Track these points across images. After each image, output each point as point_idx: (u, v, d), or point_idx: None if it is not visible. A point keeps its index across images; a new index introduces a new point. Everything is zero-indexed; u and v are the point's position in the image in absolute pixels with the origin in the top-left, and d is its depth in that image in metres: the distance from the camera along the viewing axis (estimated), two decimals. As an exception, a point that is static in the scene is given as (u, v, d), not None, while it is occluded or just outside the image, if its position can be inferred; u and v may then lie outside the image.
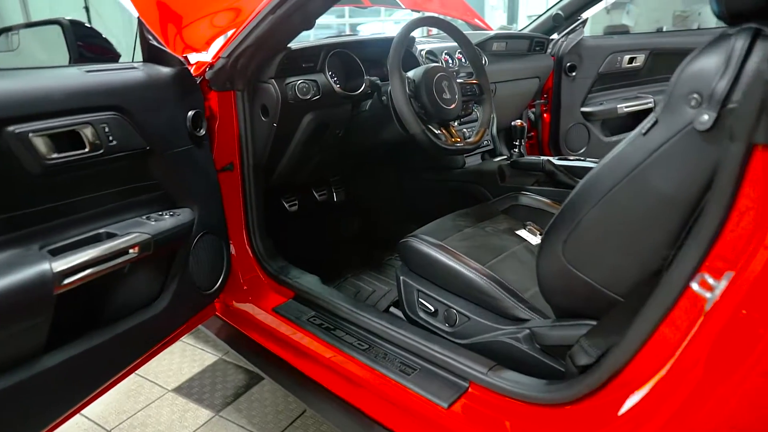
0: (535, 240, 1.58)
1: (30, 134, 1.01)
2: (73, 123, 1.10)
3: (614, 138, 2.82)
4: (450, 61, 2.02)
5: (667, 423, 0.81)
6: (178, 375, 1.89)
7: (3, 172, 1.02)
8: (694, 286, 0.79)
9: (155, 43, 1.32)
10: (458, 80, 1.61)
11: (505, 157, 1.94)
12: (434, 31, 2.21)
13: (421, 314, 1.42)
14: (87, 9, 5.42)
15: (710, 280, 0.77)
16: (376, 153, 1.88)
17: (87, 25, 1.35)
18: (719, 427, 0.77)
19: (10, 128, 0.99)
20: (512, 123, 1.85)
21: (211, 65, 1.55)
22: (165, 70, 1.32)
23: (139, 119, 1.23)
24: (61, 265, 1.04)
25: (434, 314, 1.39)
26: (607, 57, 2.68)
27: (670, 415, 0.81)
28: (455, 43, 1.67)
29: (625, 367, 0.89)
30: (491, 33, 2.19)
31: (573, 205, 1.06)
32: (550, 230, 1.11)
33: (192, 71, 1.60)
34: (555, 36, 2.60)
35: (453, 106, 1.54)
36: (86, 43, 1.43)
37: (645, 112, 2.80)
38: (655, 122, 0.92)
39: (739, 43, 0.78)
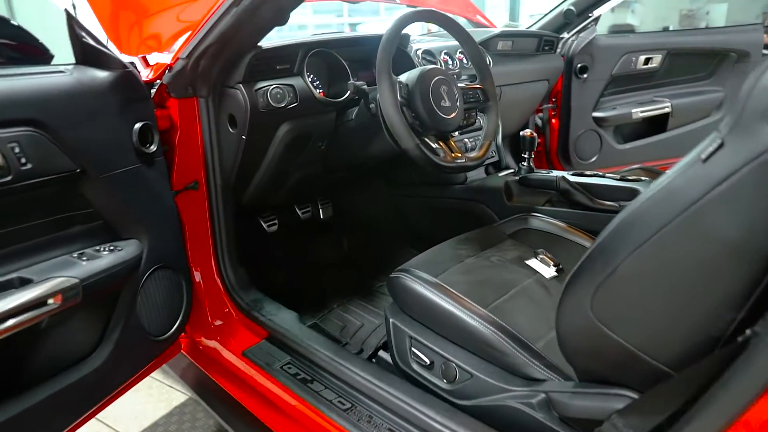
0: (548, 272, 1.34)
1: None
2: None
3: (628, 146, 2.58)
4: (450, 62, 1.77)
5: None
6: (141, 419, 1.65)
7: None
8: None
9: (90, 41, 1.07)
10: (459, 84, 1.37)
11: (512, 171, 1.70)
12: (435, 28, 1.96)
13: (414, 366, 1.18)
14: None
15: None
16: (366, 167, 1.64)
17: (13, 22, 1.10)
18: None
19: None
20: (521, 133, 1.61)
21: (169, 67, 1.31)
22: (101, 75, 1.07)
23: (66, 135, 0.98)
24: None
25: (429, 367, 1.15)
26: (621, 57, 2.43)
27: None
28: (456, 42, 1.42)
29: None
30: (496, 30, 1.93)
31: (606, 247, 0.81)
32: (576, 278, 0.87)
33: (150, 74, 1.36)
34: (564, 35, 2.34)
35: (453, 115, 1.29)
36: (19, 43, 1.19)
37: (661, 118, 2.56)
38: (720, 145, 0.67)
39: None
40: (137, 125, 1.13)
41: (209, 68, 1.28)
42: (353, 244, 2.02)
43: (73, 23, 1.05)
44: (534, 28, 2.28)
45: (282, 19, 1.22)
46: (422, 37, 2.03)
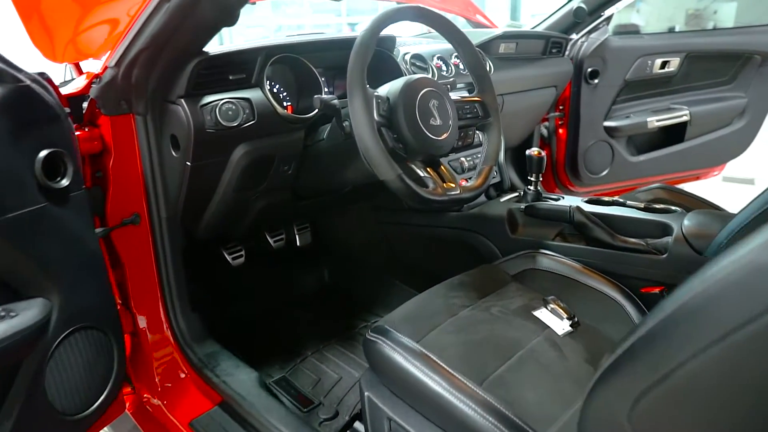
0: (560, 326, 1.08)
1: None
2: None
3: (642, 158, 2.31)
4: (444, 69, 1.51)
5: None
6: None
7: None
8: None
9: None
10: (454, 97, 1.11)
11: (517, 195, 1.44)
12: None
13: (394, 455, 0.93)
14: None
15: None
16: (343, 192, 1.39)
17: None
18: None
19: None
20: (527, 152, 1.35)
21: (97, 78, 1.06)
22: None
23: None
24: None
25: (413, 459, 0.90)
26: (635, 61, 2.17)
27: None
28: (451, 46, 1.16)
29: None
30: (498, 31, 1.67)
31: (655, 340, 0.55)
32: (610, 375, 0.61)
33: (79, 86, 1.11)
34: (573, 36, 2.08)
35: (445, 135, 1.03)
36: None
37: (679, 127, 2.29)
38: None
39: None
40: (42, 154, 0.87)
41: (144, 79, 1.03)
42: (335, 275, 1.76)
43: None
44: (541, 29, 2.01)
45: (229, 19, 0.96)
46: (416, 39, 1.76)
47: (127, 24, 0.99)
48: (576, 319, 1.09)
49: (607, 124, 2.21)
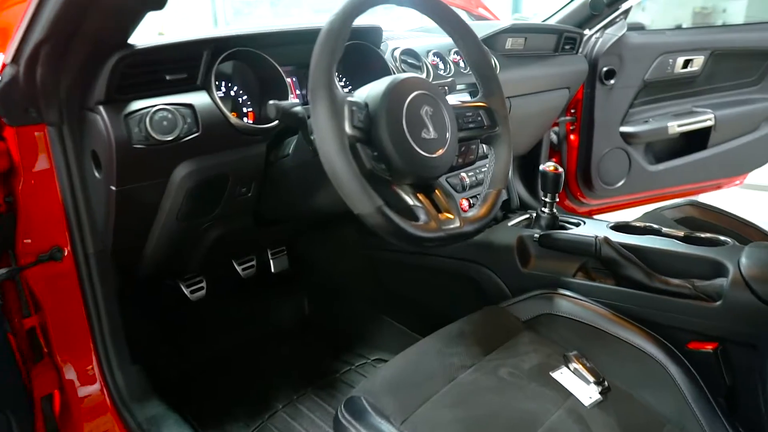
0: (587, 393, 0.84)
1: None
2: None
3: (661, 166, 2.07)
4: (441, 67, 1.26)
5: None
6: None
7: None
8: None
9: None
10: (452, 101, 0.86)
11: (527, 217, 1.19)
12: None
13: None
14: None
15: None
16: (317, 218, 1.15)
17: None
18: None
19: None
20: (541, 168, 1.10)
21: (-5, 78, 0.81)
22: None
23: None
24: None
25: None
26: (656, 59, 1.92)
27: None
28: (450, 40, 0.91)
29: None
30: (504, 24, 1.42)
31: None
32: None
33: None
34: (586, 31, 1.83)
35: (441, 152, 0.79)
36: None
37: (702, 133, 2.05)
38: None
39: None
40: None
41: (53, 80, 0.78)
42: (316, 306, 1.51)
43: None
44: (553, 22, 1.76)
45: (154, 2, 0.72)
46: (410, 33, 1.51)
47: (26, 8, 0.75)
48: (606, 382, 0.85)
49: (623, 129, 1.96)
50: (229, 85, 0.98)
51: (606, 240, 0.99)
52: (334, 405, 1.19)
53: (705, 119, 2.02)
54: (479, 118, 0.90)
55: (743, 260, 0.88)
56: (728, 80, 2.09)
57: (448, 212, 0.80)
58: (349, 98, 0.73)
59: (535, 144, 1.82)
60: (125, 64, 0.78)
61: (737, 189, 2.61)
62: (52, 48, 0.74)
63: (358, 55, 1.09)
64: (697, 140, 2.07)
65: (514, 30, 1.43)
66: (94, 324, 0.96)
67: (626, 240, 1.01)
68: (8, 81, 0.79)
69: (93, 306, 0.95)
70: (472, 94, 1.31)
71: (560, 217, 1.14)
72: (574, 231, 1.07)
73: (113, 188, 0.82)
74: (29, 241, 0.89)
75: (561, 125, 1.96)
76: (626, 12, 1.85)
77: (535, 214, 1.17)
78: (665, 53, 1.93)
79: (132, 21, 0.75)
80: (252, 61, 0.96)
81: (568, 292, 0.99)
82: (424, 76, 1.18)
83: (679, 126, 1.98)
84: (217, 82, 0.93)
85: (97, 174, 0.84)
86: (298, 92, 1.03)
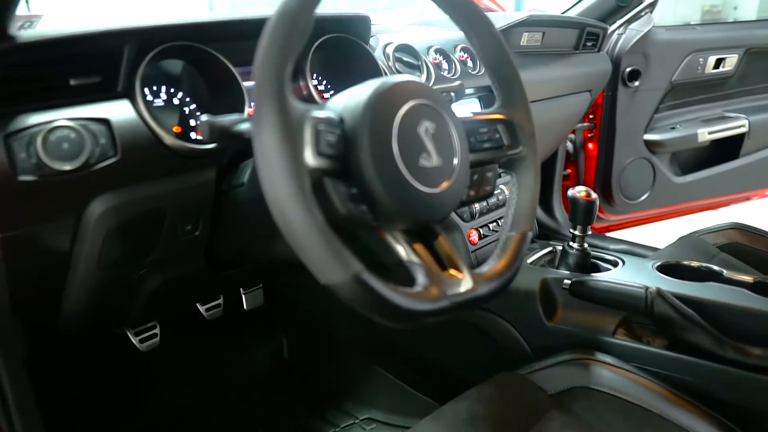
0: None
1: None
2: None
3: (689, 178, 1.84)
4: (445, 67, 1.03)
5: None
6: None
7: None
8: None
9: None
10: (461, 114, 0.63)
11: (550, 250, 0.95)
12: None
13: None
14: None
15: None
16: (281, 264, 0.92)
17: None
18: None
19: None
20: (570, 193, 0.86)
21: None
22: None
23: None
24: None
25: None
26: (685, 58, 1.69)
27: None
28: (458, 34, 0.68)
29: None
30: (520, 16, 1.18)
31: None
32: None
33: None
34: (610, 26, 1.59)
35: (446, 184, 0.56)
36: None
37: (734, 140, 1.82)
38: None
39: None
40: None
41: None
42: (296, 350, 1.27)
43: None
44: (573, 14, 1.52)
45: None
46: (409, 27, 1.28)
47: None
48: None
49: (648, 137, 1.74)
50: (171, 90, 0.75)
51: (659, 292, 0.76)
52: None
53: (738, 125, 1.80)
54: (497, 136, 0.66)
55: None
56: (760, 82, 1.87)
57: (456, 268, 0.57)
58: (315, 112, 0.49)
59: (551, 155, 1.59)
60: (4, 64, 0.55)
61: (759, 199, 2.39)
62: None
63: (341, 52, 0.86)
64: (728, 149, 1.84)
65: (530, 23, 1.19)
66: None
67: (682, 290, 0.78)
68: None
69: (-7, 377, 0.72)
70: (484, 102, 1.08)
71: (592, 253, 0.91)
72: (614, 275, 0.83)
73: (-3, 234, 0.59)
74: None
75: (578, 132, 1.73)
76: (653, 4, 1.62)
77: (560, 248, 0.93)
78: (695, 51, 1.70)
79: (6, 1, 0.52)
80: (199, 61, 0.73)
81: (607, 358, 0.76)
82: (423, 79, 0.95)
83: (710, 133, 1.76)
84: (152, 88, 0.70)
85: (-23, 213, 0.61)
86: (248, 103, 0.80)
